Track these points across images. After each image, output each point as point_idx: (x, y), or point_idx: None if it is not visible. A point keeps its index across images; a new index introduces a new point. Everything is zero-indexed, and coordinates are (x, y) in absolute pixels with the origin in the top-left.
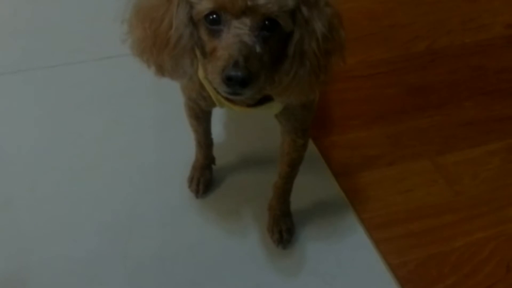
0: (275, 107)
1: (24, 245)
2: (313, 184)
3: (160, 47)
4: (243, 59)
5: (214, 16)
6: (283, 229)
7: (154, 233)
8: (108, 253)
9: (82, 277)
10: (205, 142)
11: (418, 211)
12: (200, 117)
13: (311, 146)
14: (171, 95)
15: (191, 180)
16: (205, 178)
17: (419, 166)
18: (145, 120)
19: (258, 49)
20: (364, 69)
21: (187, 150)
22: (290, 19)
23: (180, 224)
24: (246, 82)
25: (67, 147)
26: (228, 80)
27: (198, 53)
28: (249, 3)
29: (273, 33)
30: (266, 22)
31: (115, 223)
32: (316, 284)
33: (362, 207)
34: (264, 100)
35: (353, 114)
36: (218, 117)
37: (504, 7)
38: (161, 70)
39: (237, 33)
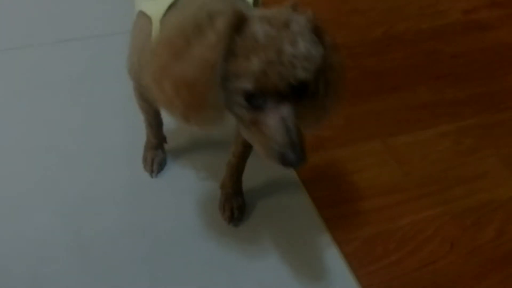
0: None
1: None
2: (266, 164)
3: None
4: (296, 140)
5: (253, 93)
6: (235, 206)
7: (108, 212)
8: (61, 233)
9: (34, 256)
10: (155, 122)
11: (367, 191)
12: (150, 100)
13: None
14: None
15: (145, 160)
16: (159, 158)
17: (371, 147)
18: (104, 102)
19: (296, 115)
20: None
21: (143, 131)
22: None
23: (134, 203)
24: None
25: (24, 127)
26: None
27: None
28: (293, 82)
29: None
30: None
31: (69, 203)
32: (265, 261)
33: (313, 186)
34: None
35: None
36: None
37: None
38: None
39: (282, 111)
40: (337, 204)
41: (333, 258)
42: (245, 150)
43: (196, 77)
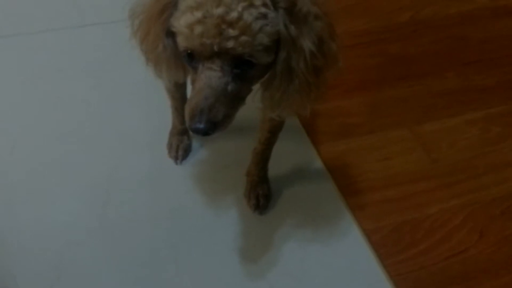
0: None
1: (1, 208)
2: (292, 151)
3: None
4: (207, 109)
5: (189, 52)
6: (260, 194)
7: (132, 197)
8: (85, 217)
9: (58, 240)
10: (182, 107)
11: (394, 178)
12: (178, 84)
13: None
14: None
15: (170, 146)
16: (184, 144)
17: (398, 134)
18: (127, 86)
19: (231, 88)
20: (347, 39)
21: (168, 117)
22: (268, 53)
23: (159, 189)
24: (208, 132)
25: (48, 111)
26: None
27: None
28: (215, 48)
29: (251, 68)
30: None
31: (94, 187)
32: (291, 249)
33: (339, 174)
34: None
35: (334, 83)
36: None
37: None
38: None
39: (207, 76)
40: (363, 192)
41: (360, 248)
42: (271, 137)
43: (149, 28)
